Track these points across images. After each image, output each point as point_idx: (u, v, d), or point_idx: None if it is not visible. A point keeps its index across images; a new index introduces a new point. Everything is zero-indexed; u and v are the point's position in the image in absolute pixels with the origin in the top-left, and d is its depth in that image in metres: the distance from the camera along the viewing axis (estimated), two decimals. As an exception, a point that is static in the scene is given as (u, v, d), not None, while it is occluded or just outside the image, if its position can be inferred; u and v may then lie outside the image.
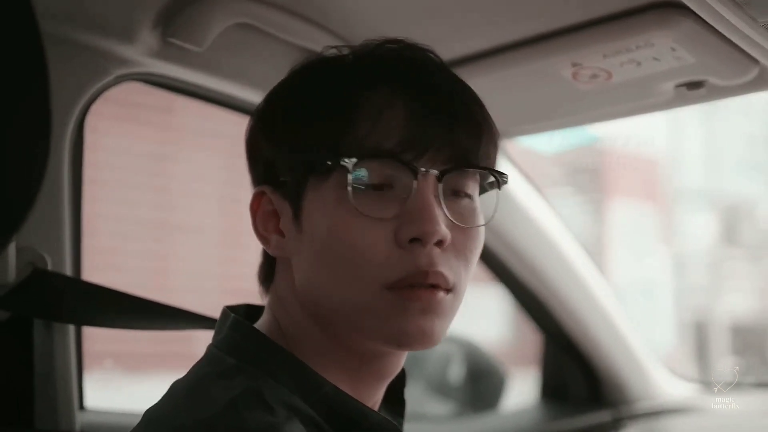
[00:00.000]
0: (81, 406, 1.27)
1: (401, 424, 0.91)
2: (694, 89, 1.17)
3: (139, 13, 1.11)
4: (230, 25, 1.13)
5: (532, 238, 1.73)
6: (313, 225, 0.79)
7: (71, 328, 1.18)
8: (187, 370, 0.82)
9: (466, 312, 0.88)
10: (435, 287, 0.77)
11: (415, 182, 0.77)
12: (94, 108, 1.23)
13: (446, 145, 0.78)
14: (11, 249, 1.07)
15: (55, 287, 1.12)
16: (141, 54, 1.17)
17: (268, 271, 0.88)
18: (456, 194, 0.80)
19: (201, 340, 0.91)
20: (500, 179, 0.83)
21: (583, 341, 1.87)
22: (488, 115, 0.83)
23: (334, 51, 0.86)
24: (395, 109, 0.77)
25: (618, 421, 1.91)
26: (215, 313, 0.91)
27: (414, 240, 0.76)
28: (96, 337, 1.46)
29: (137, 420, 0.79)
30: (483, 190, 0.85)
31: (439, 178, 0.78)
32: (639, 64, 1.11)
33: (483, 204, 0.84)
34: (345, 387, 0.80)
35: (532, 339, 2.08)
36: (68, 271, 1.17)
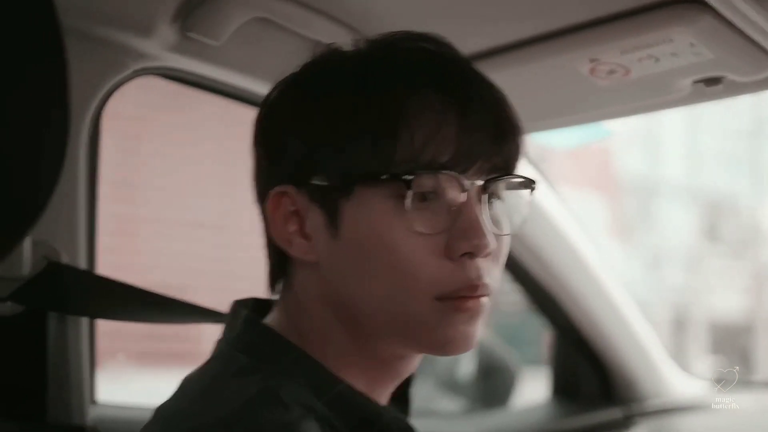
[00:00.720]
0: (93, 400, 1.27)
1: None
2: (711, 85, 1.16)
3: (157, 7, 1.11)
4: (248, 19, 1.13)
5: (543, 233, 1.73)
6: (357, 233, 0.77)
7: (84, 322, 1.19)
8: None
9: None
10: (481, 296, 0.78)
11: (464, 194, 0.77)
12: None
13: (492, 156, 0.79)
14: (27, 243, 1.08)
15: (68, 281, 1.12)
16: (159, 48, 1.17)
17: (279, 271, 0.86)
18: (490, 199, 0.80)
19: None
20: (532, 186, 0.84)
21: (594, 338, 1.87)
22: (519, 119, 0.83)
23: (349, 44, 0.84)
24: (448, 121, 0.76)
25: (629, 419, 1.91)
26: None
27: (465, 254, 0.77)
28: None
29: (149, 414, 0.79)
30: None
31: (484, 188, 0.78)
32: (657, 60, 1.11)
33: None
34: (360, 387, 0.80)
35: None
36: (83, 266, 1.17)
